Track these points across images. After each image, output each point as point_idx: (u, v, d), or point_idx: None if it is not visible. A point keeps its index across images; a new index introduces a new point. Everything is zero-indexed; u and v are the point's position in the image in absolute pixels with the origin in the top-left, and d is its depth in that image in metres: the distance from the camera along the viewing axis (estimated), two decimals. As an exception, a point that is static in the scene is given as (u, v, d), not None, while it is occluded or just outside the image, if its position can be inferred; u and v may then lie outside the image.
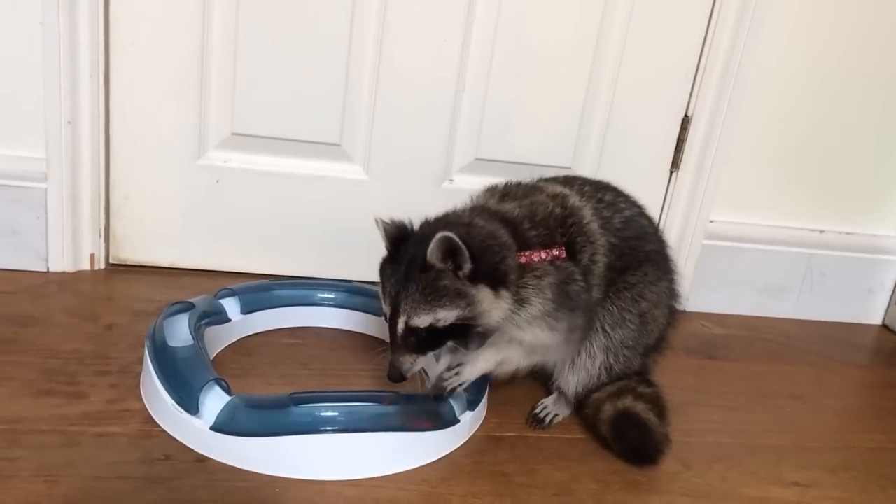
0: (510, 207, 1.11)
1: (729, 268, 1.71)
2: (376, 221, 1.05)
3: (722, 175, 1.63)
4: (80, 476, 0.93)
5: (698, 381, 1.43)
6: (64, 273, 1.46)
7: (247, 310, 1.31)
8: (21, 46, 1.33)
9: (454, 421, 1.10)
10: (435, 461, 1.07)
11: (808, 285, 1.76)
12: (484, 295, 0.99)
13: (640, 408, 1.15)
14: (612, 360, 1.17)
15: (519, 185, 1.19)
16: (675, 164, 1.62)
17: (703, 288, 1.71)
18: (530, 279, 1.04)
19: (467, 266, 0.97)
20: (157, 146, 1.46)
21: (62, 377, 1.13)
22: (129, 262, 1.53)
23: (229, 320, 1.28)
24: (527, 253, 1.04)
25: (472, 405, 1.13)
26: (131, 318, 1.32)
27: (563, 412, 1.21)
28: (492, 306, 1.00)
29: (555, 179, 1.23)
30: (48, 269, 1.45)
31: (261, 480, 0.97)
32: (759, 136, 1.64)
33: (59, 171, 1.40)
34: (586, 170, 1.59)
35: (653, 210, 1.65)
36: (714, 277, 1.71)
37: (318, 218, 1.55)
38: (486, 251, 1.00)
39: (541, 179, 1.23)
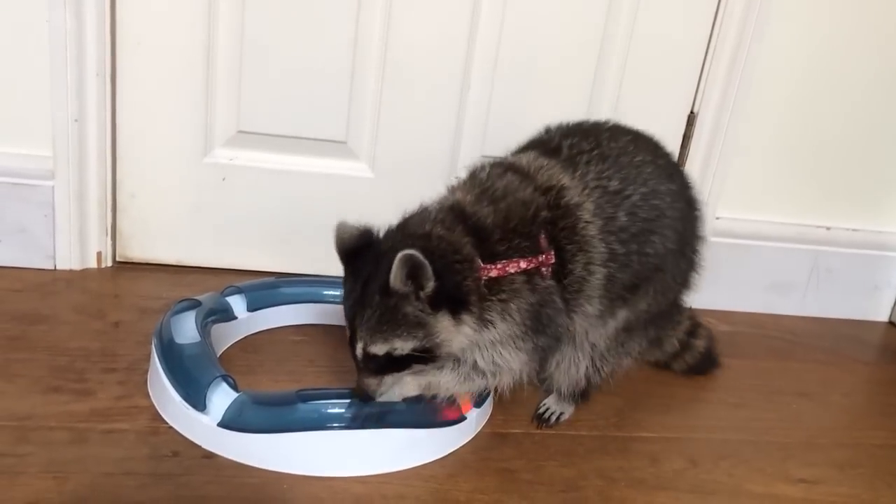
0: (485, 212, 0.99)
1: (735, 265, 1.70)
2: (338, 226, 0.99)
3: (728, 172, 1.63)
4: (88, 472, 0.94)
5: (704, 378, 1.42)
6: (71, 271, 1.46)
7: (253, 307, 1.31)
8: (28, 45, 1.33)
9: (461, 418, 1.10)
10: (442, 458, 1.07)
11: (814, 282, 1.76)
12: (443, 324, 0.93)
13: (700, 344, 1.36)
14: (598, 364, 1.14)
15: (504, 174, 1.04)
16: (681, 161, 1.62)
17: (709, 285, 1.69)
18: (497, 300, 0.96)
19: (430, 285, 0.90)
20: (164, 144, 1.46)
21: (70, 374, 1.13)
22: (135, 260, 1.53)
23: (235, 318, 1.28)
24: (499, 265, 0.95)
25: (478, 403, 1.13)
26: (138, 315, 1.33)
27: (567, 409, 1.21)
28: (451, 335, 0.94)
29: (555, 152, 1.08)
30: (55, 266, 1.46)
31: (269, 477, 0.98)
32: (765, 132, 1.63)
33: (66, 169, 1.41)
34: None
35: (659, 207, 1.66)
36: (720, 274, 1.70)
37: (324, 215, 1.53)
38: (447, 269, 0.92)
39: (539, 156, 1.08)
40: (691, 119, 1.59)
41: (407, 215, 1.03)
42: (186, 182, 1.49)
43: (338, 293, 1.39)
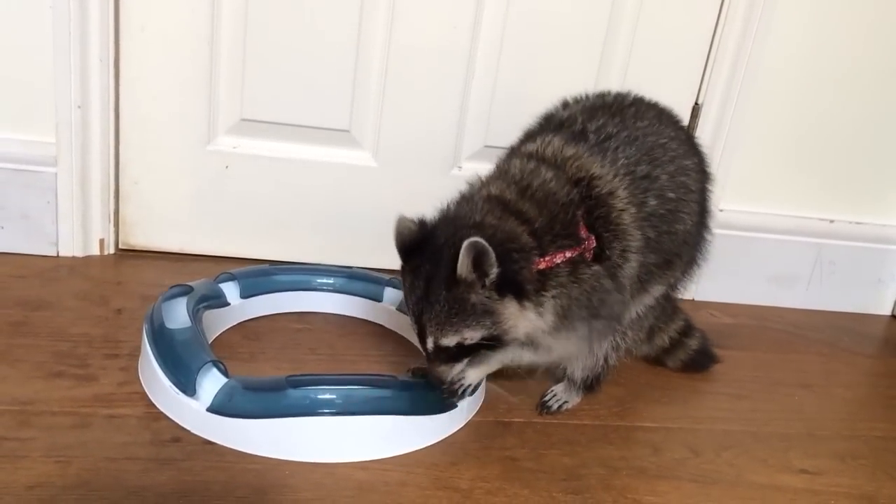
0: (526, 206, 0.98)
1: (738, 257, 1.70)
2: (398, 221, 0.98)
3: (732, 164, 1.62)
4: (91, 457, 0.94)
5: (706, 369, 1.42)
6: (74, 257, 1.46)
7: (246, 294, 1.31)
8: (31, 30, 1.33)
9: (451, 406, 1.10)
10: (444, 446, 1.07)
11: (817, 275, 1.76)
12: (510, 310, 0.94)
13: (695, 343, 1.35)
14: (618, 340, 1.15)
15: (536, 167, 1.03)
16: (685, 152, 1.62)
17: (711, 277, 1.70)
18: (549, 289, 0.96)
19: (494, 271, 0.91)
20: (167, 131, 1.46)
21: (73, 360, 1.13)
22: (138, 248, 1.53)
23: (228, 304, 1.28)
24: (547, 257, 0.96)
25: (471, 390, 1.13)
26: (141, 302, 1.33)
27: (573, 399, 1.21)
28: (518, 320, 0.95)
29: (581, 137, 1.06)
30: (58, 253, 1.46)
31: (270, 463, 0.98)
32: (770, 124, 1.63)
33: (69, 156, 1.41)
34: (596, 157, 1.58)
35: (662, 198, 1.66)
36: (723, 267, 1.70)
37: (327, 204, 1.55)
38: (508, 257, 0.93)
39: (565, 144, 1.05)
40: (696, 110, 1.59)
41: (450, 207, 1.02)
42: (189, 170, 1.49)
43: (330, 281, 1.41)
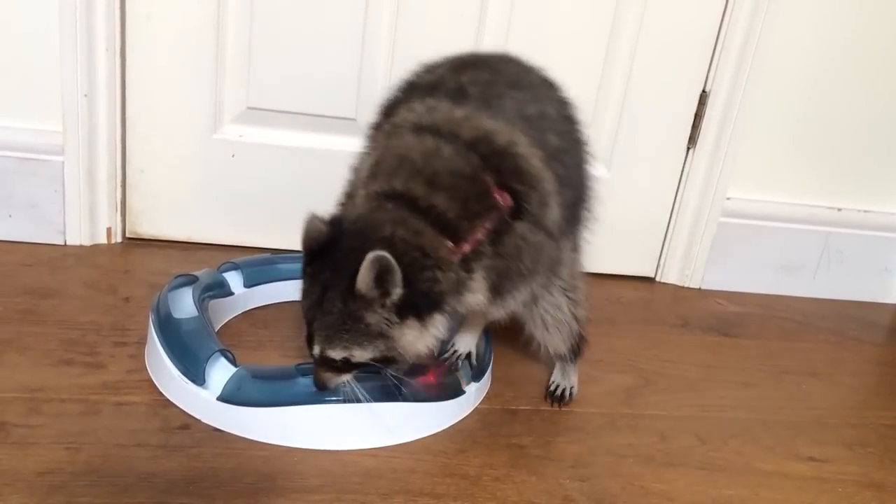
0: (437, 199, 0.91)
1: (745, 245, 1.70)
2: (308, 219, 0.93)
3: (739, 152, 1.61)
4: (100, 443, 0.94)
5: (714, 357, 1.42)
6: (81, 246, 1.47)
7: (249, 283, 1.31)
8: (38, 19, 1.33)
9: (459, 392, 1.10)
10: (451, 434, 1.07)
11: (825, 263, 1.75)
12: (408, 336, 0.90)
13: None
14: (574, 296, 1.12)
15: (433, 144, 0.94)
16: (693, 140, 1.61)
17: (719, 265, 1.70)
18: (476, 270, 0.92)
19: (397, 292, 0.86)
20: (173, 120, 1.46)
21: (81, 347, 1.14)
22: (145, 236, 1.54)
23: (232, 293, 1.29)
24: (468, 240, 0.91)
25: (476, 377, 1.13)
26: (148, 290, 1.33)
27: (574, 381, 1.20)
28: (416, 340, 0.91)
29: (461, 95, 1.01)
30: (66, 242, 1.46)
31: (278, 450, 0.98)
32: (778, 112, 1.62)
33: (76, 145, 1.41)
34: (603, 144, 1.58)
35: (669, 187, 1.66)
36: (730, 255, 1.70)
37: (334, 193, 1.54)
38: (417, 276, 0.87)
39: (452, 107, 1.00)
40: (703, 98, 1.58)
41: (358, 212, 0.95)
42: (196, 158, 1.49)
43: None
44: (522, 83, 1.08)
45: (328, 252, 0.92)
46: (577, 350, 1.18)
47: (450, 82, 1.06)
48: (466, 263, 0.92)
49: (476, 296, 0.95)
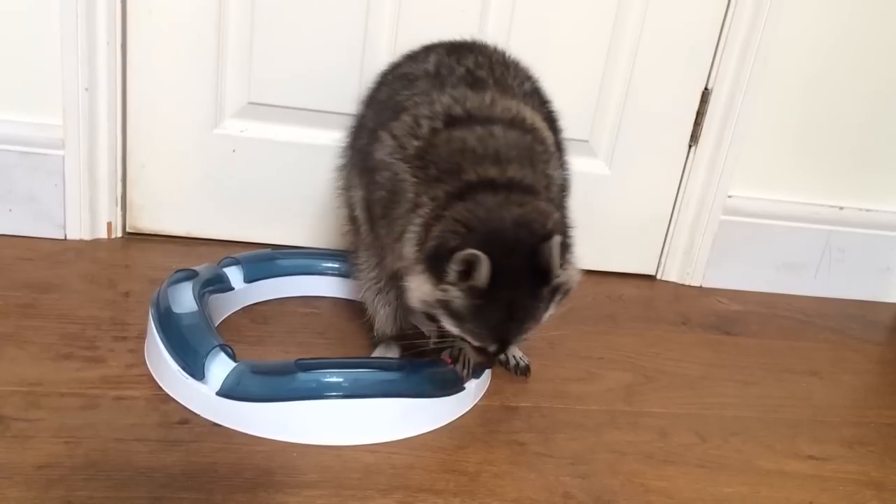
0: (523, 174, 0.94)
1: (747, 244, 1.70)
2: (476, 258, 0.85)
3: (741, 150, 1.61)
4: (99, 438, 0.94)
5: (715, 356, 1.42)
6: (81, 241, 1.46)
7: (250, 278, 1.31)
8: (39, 13, 1.33)
9: (459, 388, 1.10)
10: (451, 430, 1.07)
11: (826, 262, 1.75)
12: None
13: None
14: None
15: (497, 133, 0.97)
16: (694, 138, 1.61)
17: (720, 264, 1.70)
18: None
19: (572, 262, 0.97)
20: (174, 114, 1.46)
21: (81, 342, 1.13)
22: (145, 231, 1.53)
23: (232, 289, 1.28)
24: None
25: (476, 373, 1.13)
26: (148, 285, 1.32)
27: (517, 353, 1.24)
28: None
29: (481, 84, 1.04)
30: (66, 236, 1.46)
31: (278, 445, 0.98)
32: (780, 110, 1.62)
33: (77, 139, 1.40)
34: (604, 142, 1.58)
35: (670, 185, 1.65)
36: (731, 253, 1.70)
37: (336, 189, 1.54)
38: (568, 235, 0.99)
39: (497, 95, 1.02)
40: (705, 95, 1.58)
41: (479, 214, 0.90)
42: (197, 153, 1.49)
43: (335, 265, 1.40)
44: (507, 64, 1.12)
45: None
46: None
47: (458, 69, 1.06)
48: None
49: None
